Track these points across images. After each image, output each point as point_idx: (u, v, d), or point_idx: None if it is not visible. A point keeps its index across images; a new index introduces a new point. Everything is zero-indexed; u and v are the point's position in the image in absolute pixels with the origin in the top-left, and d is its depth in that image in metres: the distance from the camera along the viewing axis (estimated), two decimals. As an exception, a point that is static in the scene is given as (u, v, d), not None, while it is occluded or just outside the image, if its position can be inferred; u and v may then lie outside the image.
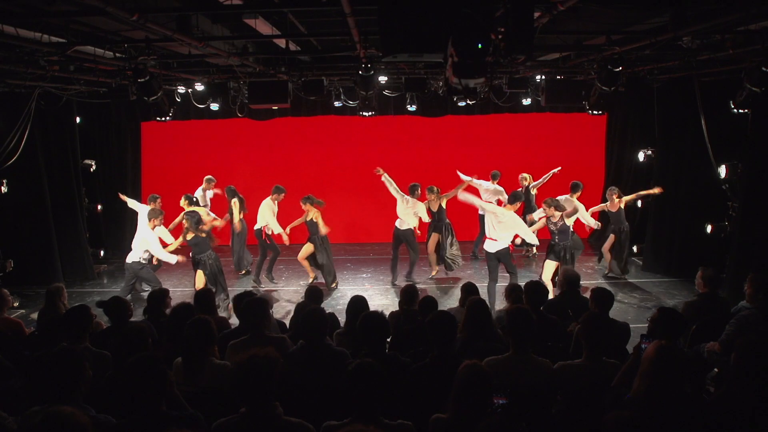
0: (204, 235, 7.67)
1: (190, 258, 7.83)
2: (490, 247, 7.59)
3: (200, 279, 7.62)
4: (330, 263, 9.22)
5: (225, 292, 7.80)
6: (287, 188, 9.52)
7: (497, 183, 10.69)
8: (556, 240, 7.69)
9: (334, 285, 9.23)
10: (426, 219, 9.32)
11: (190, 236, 7.61)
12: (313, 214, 9.01)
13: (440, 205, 9.46)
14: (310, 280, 9.34)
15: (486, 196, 10.39)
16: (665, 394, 2.87)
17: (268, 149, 12.30)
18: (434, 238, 9.53)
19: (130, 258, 7.94)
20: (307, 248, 9.15)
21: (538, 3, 4.47)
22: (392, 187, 9.16)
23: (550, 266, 7.75)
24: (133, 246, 8.01)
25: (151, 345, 4.01)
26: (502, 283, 7.36)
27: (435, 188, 9.49)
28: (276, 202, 9.31)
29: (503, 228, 7.52)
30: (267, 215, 9.20)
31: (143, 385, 2.85)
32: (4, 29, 5.14)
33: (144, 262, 7.94)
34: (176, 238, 8.28)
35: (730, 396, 2.97)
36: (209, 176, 10.58)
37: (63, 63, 6.82)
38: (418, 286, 6.91)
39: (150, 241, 7.85)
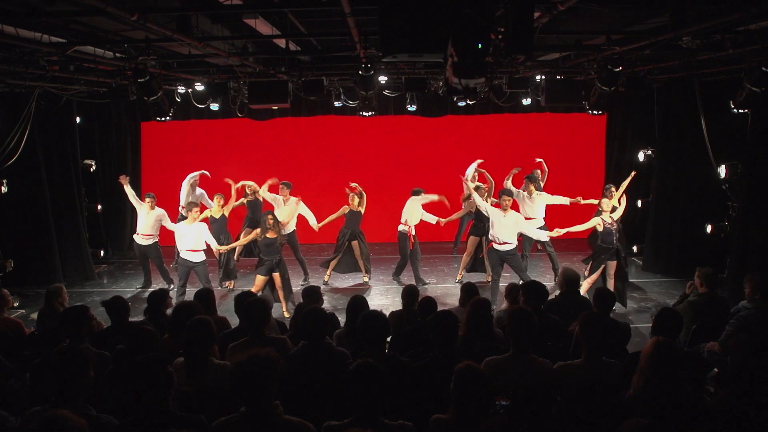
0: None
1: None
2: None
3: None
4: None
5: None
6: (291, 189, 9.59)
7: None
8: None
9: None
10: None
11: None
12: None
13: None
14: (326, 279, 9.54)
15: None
16: (663, 389, 2.88)
17: (268, 149, 12.30)
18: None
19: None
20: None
21: (538, 3, 4.46)
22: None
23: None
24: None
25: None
26: (502, 283, 7.39)
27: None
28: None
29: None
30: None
31: (152, 385, 2.87)
32: (4, 29, 5.14)
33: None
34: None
35: (730, 398, 2.97)
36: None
37: (63, 63, 6.82)
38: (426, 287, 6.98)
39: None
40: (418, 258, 9.33)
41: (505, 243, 7.84)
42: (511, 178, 9.46)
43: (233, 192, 9.28)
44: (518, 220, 8.03)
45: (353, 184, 9.29)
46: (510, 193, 8.24)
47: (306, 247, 11.86)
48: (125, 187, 9.10)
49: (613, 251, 7.72)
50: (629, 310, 8.04)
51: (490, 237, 8.01)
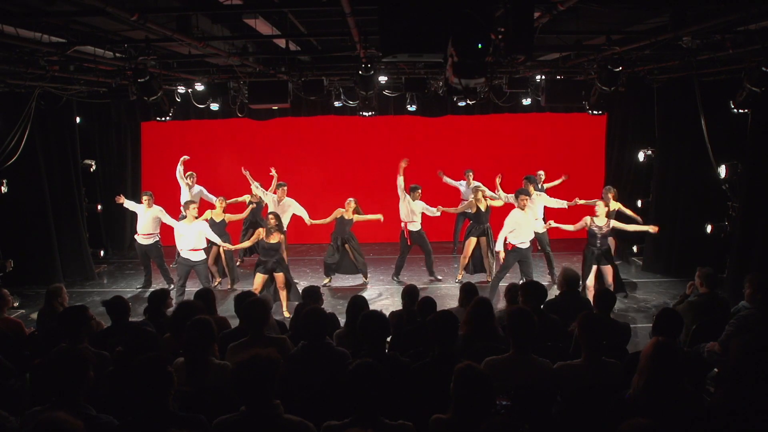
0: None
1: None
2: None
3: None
4: None
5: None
6: (287, 189, 9.58)
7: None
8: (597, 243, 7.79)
9: None
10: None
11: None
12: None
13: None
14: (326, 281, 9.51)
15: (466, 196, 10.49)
16: (663, 389, 2.88)
17: (268, 149, 12.30)
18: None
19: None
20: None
21: (538, 3, 4.47)
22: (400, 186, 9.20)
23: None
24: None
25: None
26: (502, 284, 7.39)
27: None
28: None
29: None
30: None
31: (152, 385, 2.87)
32: (4, 29, 5.14)
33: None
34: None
35: (730, 398, 2.97)
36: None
37: (63, 63, 6.82)
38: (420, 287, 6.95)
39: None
40: (429, 253, 9.46)
41: (526, 241, 8.05)
42: (500, 188, 9.42)
43: (274, 182, 9.65)
44: (533, 216, 8.37)
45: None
46: (527, 193, 8.28)
47: (306, 247, 11.90)
48: (124, 204, 9.15)
49: (597, 254, 7.77)
50: (629, 309, 8.05)
51: (512, 240, 8.05)
